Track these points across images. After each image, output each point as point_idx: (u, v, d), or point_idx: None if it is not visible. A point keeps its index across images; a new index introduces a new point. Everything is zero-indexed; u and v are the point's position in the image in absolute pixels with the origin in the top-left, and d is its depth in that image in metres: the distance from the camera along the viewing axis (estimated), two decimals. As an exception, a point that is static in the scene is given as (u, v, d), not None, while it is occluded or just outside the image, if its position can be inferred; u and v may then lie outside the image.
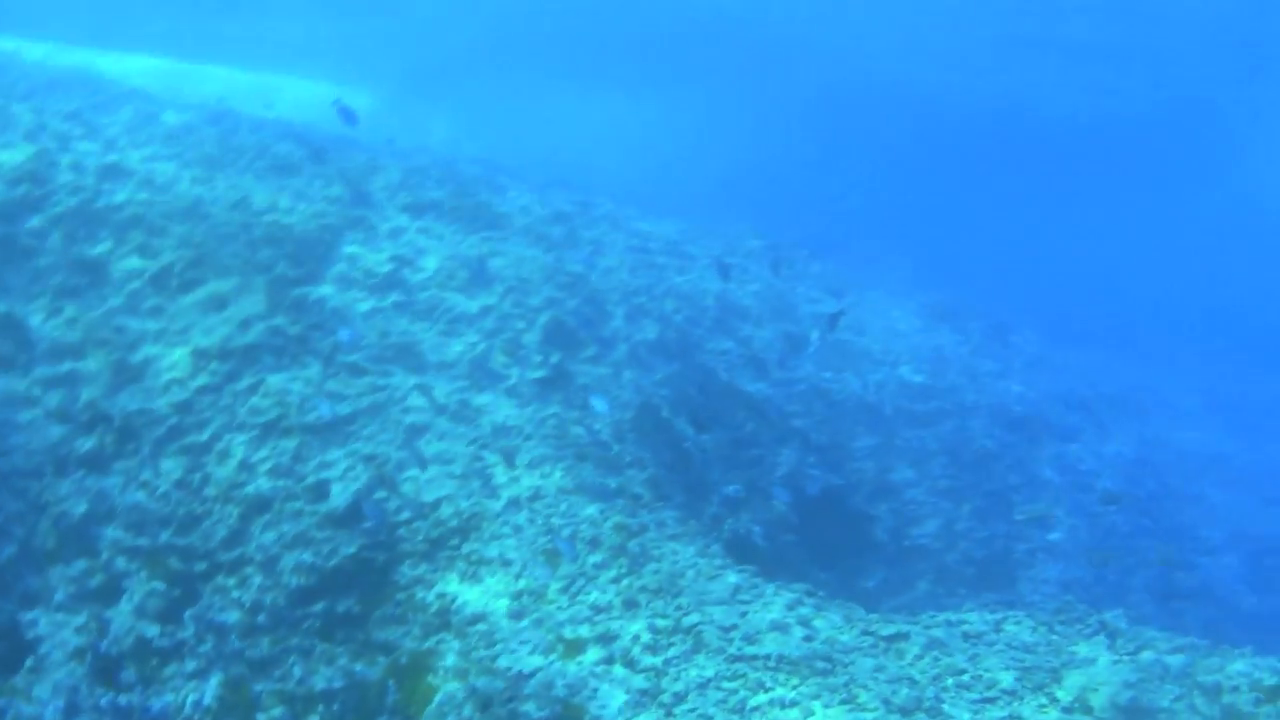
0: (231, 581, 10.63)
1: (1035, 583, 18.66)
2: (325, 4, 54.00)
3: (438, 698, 9.18)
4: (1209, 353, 39.90)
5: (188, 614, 10.59)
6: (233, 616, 10.46)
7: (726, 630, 8.91)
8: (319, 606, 10.39)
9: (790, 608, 9.23)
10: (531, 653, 9.15)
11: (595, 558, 10.20)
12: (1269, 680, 7.78)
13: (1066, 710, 7.84)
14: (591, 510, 10.90)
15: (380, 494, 10.85)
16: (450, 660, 9.51)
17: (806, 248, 25.97)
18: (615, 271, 18.07)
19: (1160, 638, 9.03)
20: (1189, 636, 9.17)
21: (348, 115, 16.10)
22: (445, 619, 9.91)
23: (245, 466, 10.85)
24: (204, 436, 11.24)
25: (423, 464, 11.24)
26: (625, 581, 9.81)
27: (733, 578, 9.76)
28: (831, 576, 16.12)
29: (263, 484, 10.78)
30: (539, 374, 13.97)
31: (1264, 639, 19.95)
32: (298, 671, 10.10)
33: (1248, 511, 24.17)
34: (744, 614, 9.09)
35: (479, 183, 19.97)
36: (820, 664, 8.39)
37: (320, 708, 9.94)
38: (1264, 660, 8.14)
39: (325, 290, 13.68)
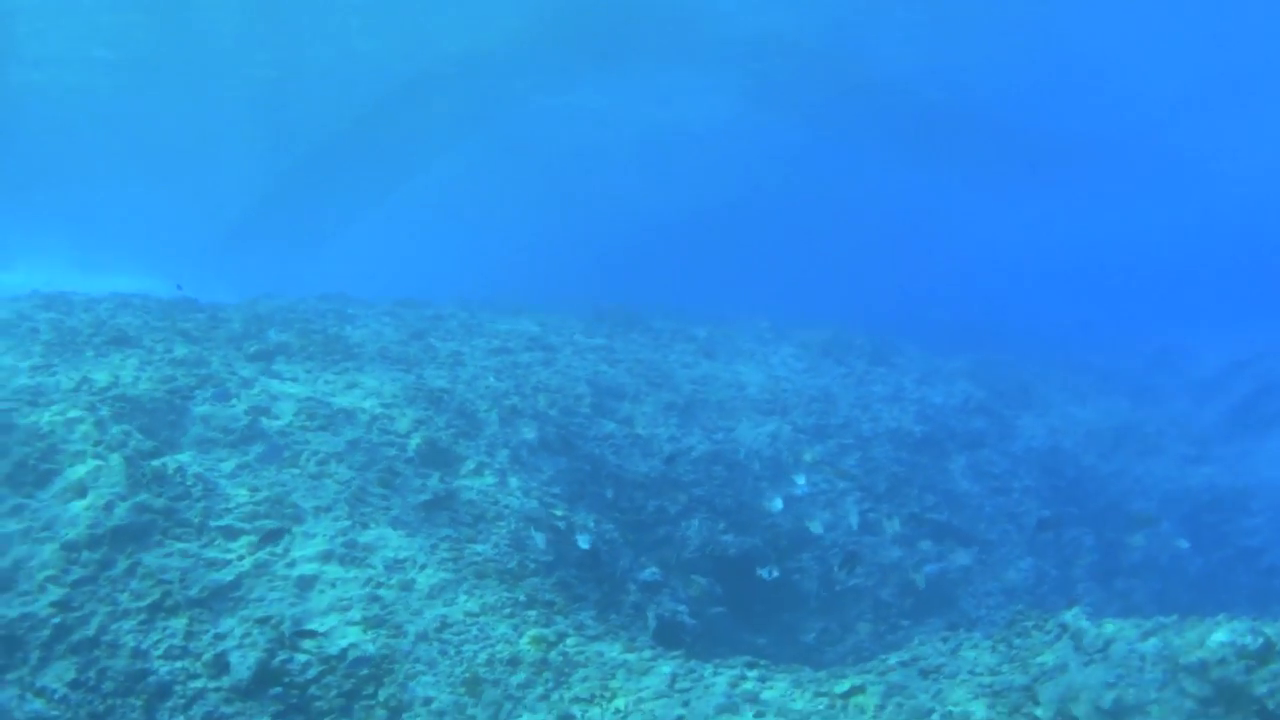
0: (143, 778, 9.87)
1: (978, 597, 18.50)
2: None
3: None
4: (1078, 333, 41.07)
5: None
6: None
7: (673, 726, 8.52)
8: (239, 787, 9.71)
9: (734, 685, 8.89)
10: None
11: (518, 677, 9.76)
12: (1254, 643, 7.41)
13: (1051, 727, 7.48)
14: (504, 628, 10.45)
15: (283, 654, 10.24)
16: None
17: (674, 315, 26.01)
18: (480, 378, 17.72)
19: (1126, 626, 8.51)
20: (1153, 616, 8.68)
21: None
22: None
23: (138, 654, 10.14)
24: (90, 631, 10.48)
25: (321, 615, 10.68)
26: (555, 695, 9.39)
27: (666, 667, 9.39)
28: (769, 640, 15.82)
29: (160, 669, 10.08)
30: (422, 498, 13.52)
31: (1220, 597, 20.18)
32: None
33: (1171, 475, 24.57)
34: (687, 703, 8.71)
35: (325, 317, 19.49)
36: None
37: None
38: (1241, 623, 7.62)
39: (184, 457, 13.04)
